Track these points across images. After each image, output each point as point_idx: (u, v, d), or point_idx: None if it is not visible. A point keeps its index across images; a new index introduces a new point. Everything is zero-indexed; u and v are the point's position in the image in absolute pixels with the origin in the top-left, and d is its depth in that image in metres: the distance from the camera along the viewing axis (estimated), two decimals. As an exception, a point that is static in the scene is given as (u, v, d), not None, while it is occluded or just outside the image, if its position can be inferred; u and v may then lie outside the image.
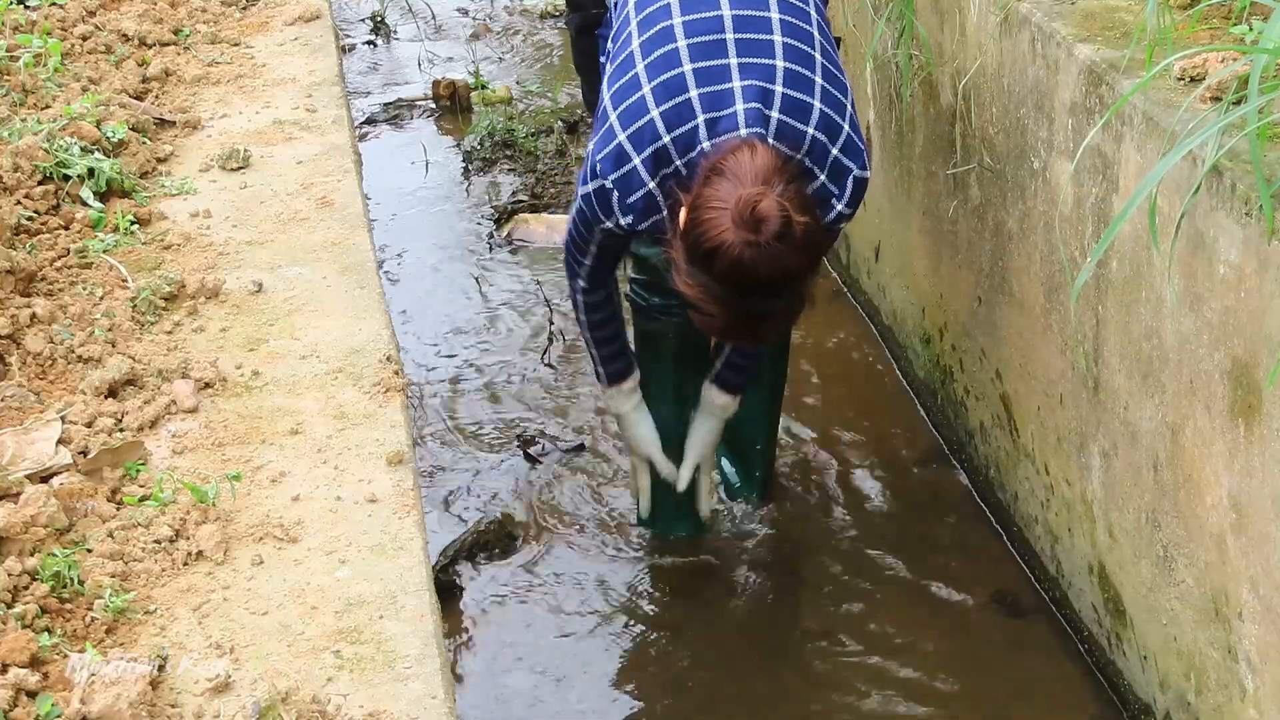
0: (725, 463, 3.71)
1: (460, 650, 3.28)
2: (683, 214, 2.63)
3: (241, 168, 3.90)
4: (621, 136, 2.78)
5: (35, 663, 2.29)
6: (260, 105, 4.27)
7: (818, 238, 2.62)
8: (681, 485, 3.41)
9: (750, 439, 3.62)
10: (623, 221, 2.84)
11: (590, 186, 2.85)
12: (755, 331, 2.74)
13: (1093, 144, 2.77)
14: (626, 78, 2.83)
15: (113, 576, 2.47)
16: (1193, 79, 2.57)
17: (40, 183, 3.59)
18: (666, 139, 2.76)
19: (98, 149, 3.76)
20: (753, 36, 2.80)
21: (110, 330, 3.14)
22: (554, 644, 3.31)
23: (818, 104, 2.79)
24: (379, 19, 6.73)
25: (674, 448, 3.47)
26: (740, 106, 2.74)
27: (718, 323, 2.68)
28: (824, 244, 2.69)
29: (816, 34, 2.88)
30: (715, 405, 3.35)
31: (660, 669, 3.25)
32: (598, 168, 2.82)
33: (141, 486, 2.70)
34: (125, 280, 3.32)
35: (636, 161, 2.78)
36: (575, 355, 4.29)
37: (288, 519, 2.65)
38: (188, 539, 2.57)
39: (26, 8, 4.56)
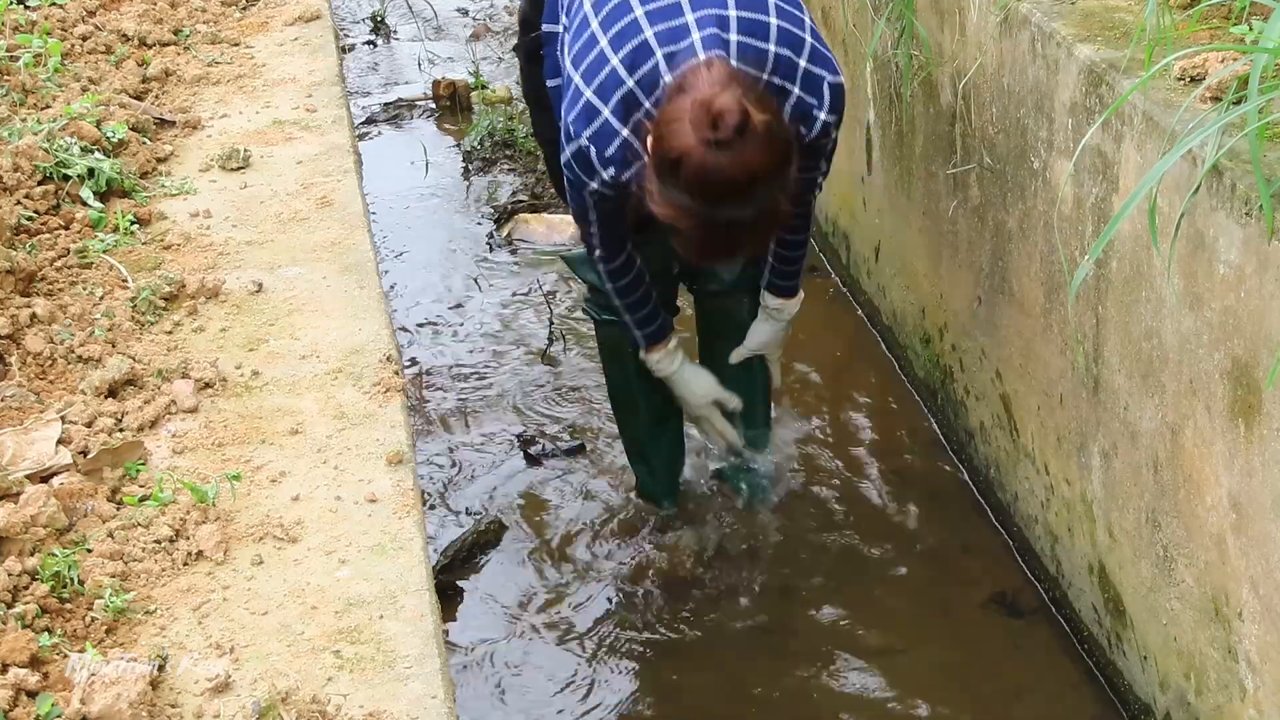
0: (737, 474, 3.70)
1: (460, 650, 3.28)
2: (649, 139, 2.67)
3: (241, 168, 3.90)
4: (588, 93, 2.81)
5: (35, 662, 2.29)
6: (260, 105, 4.27)
7: (781, 135, 2.64)
8: (735, 359, 3.43)
9: (749, 400, 3.57)
10: (605, 175, 2.84)
11: (569, 150, 2.88)
12: (734, 246, 2.75)
13: (1092, 144, 2.77)
14: (584, 39, 2.87)
15: (113, 576, 2.47)
16: (1193, 79, 2.57)
17: (40, 183, 3.59)
18: (630, 82, 2.78)
19: (98, 149, 3.76)
20: None
21: (110, 330, 3.14)
22: (554, 643, 3.32)
23: (774, 21, 2.82)
24: (379, 19, 6.73)
25: (652, 447, 3.57)
26: (697, 36, 2.78)
27: (696, 241, 2.71)
28: (792, 145, 2.70)
29: None
30: (771, 309, 3.38)
31: (659, 669, 3.25)
32: (571, 129, 2.84)
33: (141, 486, 2.70)
34: (125, 280, 3.32)
35: (606, 113, 2.80)
36: (575, 354, 4.30)
37: (287, 519, 2.65)
38: (188, 539, 2.57)
39: (26, 8, 4.56)
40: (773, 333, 3.42)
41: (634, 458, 3.67)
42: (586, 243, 3.14)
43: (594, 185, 2.89)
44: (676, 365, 3.35)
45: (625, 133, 2.79)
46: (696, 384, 3.40)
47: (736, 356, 3.44)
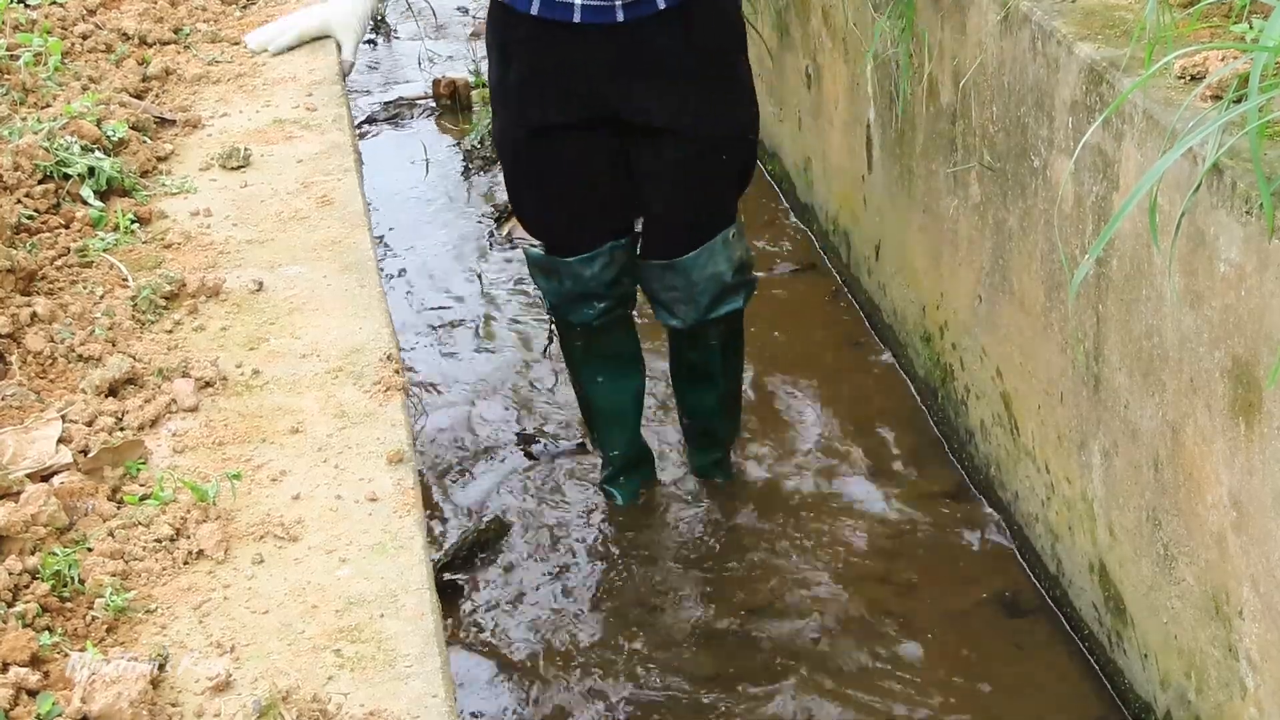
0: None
1: (461, 649, 3.28)
2: None
3: (242, 166, 3.90)
4: None
5: (36, 661, 2.28)
6: (260, 104, 4.26)
7: None
8: None
9: (713, 433, 3.69)
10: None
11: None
12: None
13: (1093, 142, 2.77)
14: None
15: (113, 575, 2.46)
16: (1193, 77, 2.57)
17: (40, 181, 3.59)
18: None
19: (98, 148, 3.76)
20: None
21: (110, 329, 3.14)
22: (554, 642, 3.32)
23: None
24: (379, 17, 6.73)
25: (604, 438, 3.67)
26: None
27: None
28: None
29: None
30: None
31: (659, 668, 3.25)
32: None
33: (142, 485, 2.70)
34: (125, 279, 3.31)
35: None
36: (575, 354, 4.30)
37: (288, 518, 2.65)
38: (188, 538, 2.57)
39: (26, 6, 4.55)
40: None
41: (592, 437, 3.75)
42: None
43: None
44: None
45: None
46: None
47: None
